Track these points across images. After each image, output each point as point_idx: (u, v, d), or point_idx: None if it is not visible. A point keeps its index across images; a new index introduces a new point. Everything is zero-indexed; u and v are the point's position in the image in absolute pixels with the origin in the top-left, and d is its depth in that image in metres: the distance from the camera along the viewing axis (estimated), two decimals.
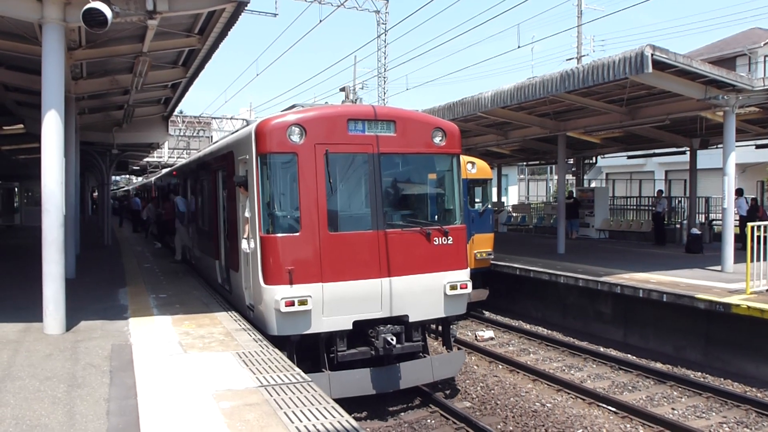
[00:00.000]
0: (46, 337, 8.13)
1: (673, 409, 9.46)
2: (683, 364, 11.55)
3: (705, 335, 11.62)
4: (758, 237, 11.11)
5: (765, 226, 11.33)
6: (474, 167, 15.47)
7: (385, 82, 45.72)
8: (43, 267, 8.21)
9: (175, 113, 27.45)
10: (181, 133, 40.28)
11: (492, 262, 15.90)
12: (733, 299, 10.69)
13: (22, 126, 19.22)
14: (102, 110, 19.15)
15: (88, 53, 12.03)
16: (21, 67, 12.93)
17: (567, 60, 36.00)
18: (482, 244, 15.46)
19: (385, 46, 45.13)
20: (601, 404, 9.56)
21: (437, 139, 9.48)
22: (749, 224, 11.44)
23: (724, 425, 8.81)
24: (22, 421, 5.23)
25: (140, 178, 49.26)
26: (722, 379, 10.69)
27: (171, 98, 18.47)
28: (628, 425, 8.80)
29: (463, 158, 15.24)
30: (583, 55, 34.91)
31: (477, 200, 16.05)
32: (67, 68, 11.60)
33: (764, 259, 11.25)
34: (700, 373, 11.04)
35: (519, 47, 33.36)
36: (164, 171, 26.81)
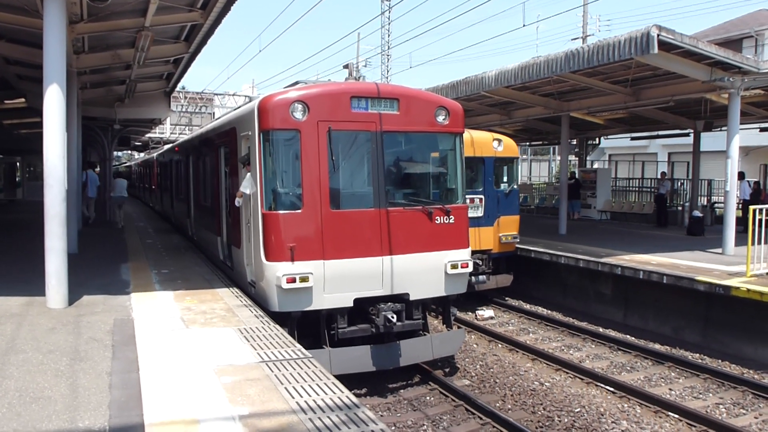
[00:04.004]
0: (49, 311, 8.18)
1: (670, 389, 9.54)
2: (682, 345, 11.62)
3: (704, 317, 11.67)
4: (760, 220, 11.11)
5: (767, 210, 11.32)
6: (500, 145, 14.74)
7: (388, 59, 45.51)
8: (45, 241, 8.23)
9: (178, 89, 27.30)
10: (183, 109, 40.15)
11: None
12: (733, 282, 10.72)
13: (23, 100, 19.17)
14: (104, 85, 19.08)
15: (89, 27, 11.95)
16: (22, 41, 12.85)
17: (572, 40, 35.76)
18: (508, 227, 14.82)
19: (389, 24, 44.86)
20: (599, 384, 9.64)
21: (440, 118, 9.44)
22: (751, 207, 11.44)
23: (721, 406, 8.90)
24: (26, 393, 5.28)
25: (142, 154, 49.21)
26: (720, 361, 10.76)
27: (173, 74, 18.40)
28: (626, 405, 8.89)
29: (490, 135, 14.79)
30: (589, 35, 34.68)
31: (503, 180, 15.28)
32: (69, 42, 11.53)
33: (765, 243, 11.26)
34: (698, 355, 11.12)
35: (524, 26, 33.20)
36: (166, 147, 26.76)
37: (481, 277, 14.06)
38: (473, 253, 13.90)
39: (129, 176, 47.73)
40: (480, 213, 14.27)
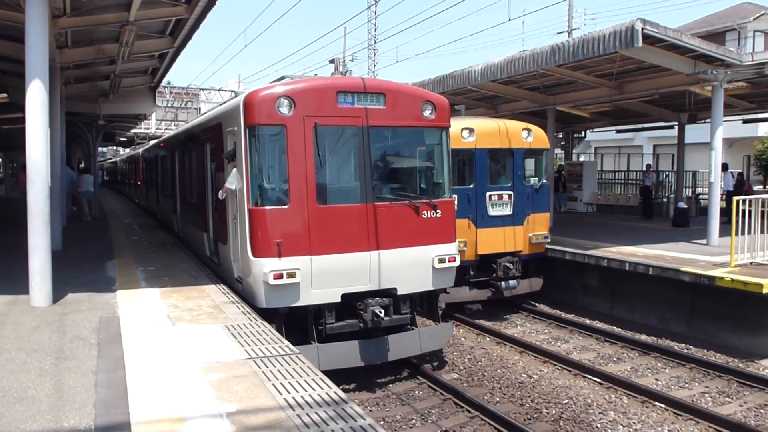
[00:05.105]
0: (33, 309, 8.09)
1: (656, 379, 9.63)
2: (668, 335, 11.73)
3: (689, 307, 11.79)
4: (743, 211, 11.21)
5: (750, 200, 11.44)
6: (530, 135, 13.53)
7: (375, 54, 45.45)
8: (28, 239, 8.13)
9: (163, 84, 27.09)
10: (169, 105, 39.84)
11: None
12: (717, 272, 10.82)
13: (6, 96, 18.90)
14: (88, 80, 18.86)
15: (72, 21, 11.81)
16: (4, 35, 12.67)
17: (558, 33, 35.88)
18: (539, 226, 13.64)
19: (376, 18, 44.80)
20: (586, 375, 9.72)
21: (427, 113, 9.44)
22: (735, 198, 11.55)
23: (706, 395, 9.00)
24: (9, 393, 5.23)
25: (127, 150, 48.82)
26: (705, 350, 10.88)
27: (158, 69, 18.22)
28: (613, 395, 8.96)
29: (519, 124, 13.74)
30: (574, 29, 34.72)
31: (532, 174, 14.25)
32: (52, 37, 11.39)
33: (748, 233, 11.37)
34: (683, 345, 11.23)
35: (510, 20, 33.14)
36: (151, 142, 26.57)
37: (512, 282, 12.89)
38: (502, 255, 12.93)
39: (114, 172, 47.32)
40: (509, 211, 13.16)
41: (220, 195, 9.46)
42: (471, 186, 12.86)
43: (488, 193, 12.97)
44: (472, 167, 12.94)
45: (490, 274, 13.02)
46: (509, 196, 13.20)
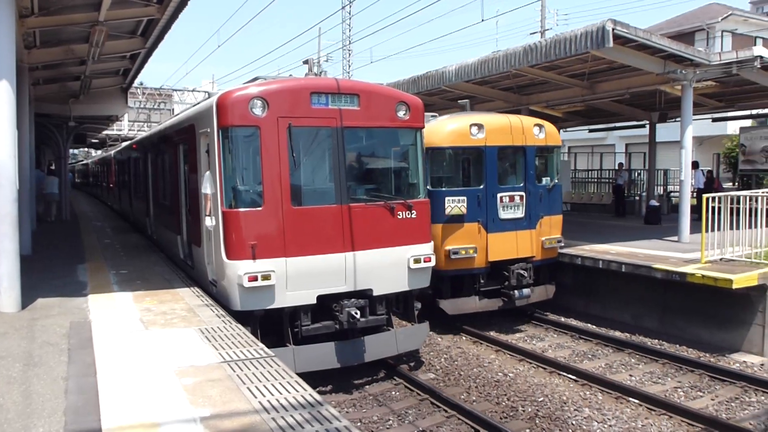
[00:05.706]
0: (1, 315, 7.92)
1: (630, 375, 9.75)
2: (641, 332, 11.89)
3: (662, 304, 11.96)
4: (713, 208, 11.40)
5: (719, 198, 11.63)
6: (542, 131, 12.60)
7: (349, 54, 45.43)
8: None
9: (135, 85, 26.71)
10: (142, 106, 39.32)
11: None
12: (688, 268, 10.99)
13: None
14: (57, 81, 18.54)
15: (41, 21, 11.60)
16: None
17: (531, 34, 36.17)
18: (551, 229, 12.75)
19: (350, 18, 44.75)
20: (561, 373, 9.81)
21: (401, 113, 9.45)
22: (705, 196, 11.73)
23: (679, 390, 9.14)
24: None
25: (99, 152, 48.11)
26: (678, 346, 11.05)
27: (130, 69, 17.97)
28: (588, 392, 9.05)
29: (530, 120, 12.96)
30: (547, 29, 35.08)
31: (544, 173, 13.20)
32: (19, 36, 11.19)
33: (719, 230, 11.56)
34: (656, 341, 11.39)
35: (483, 21, 33.24)
36: (124, 144, 26.22)
37: (525, 291, 12.04)
38: (513, 261, 12.11)
39: (85, 174, 46.64)
40: (520, 214, 12.25)
41: (209, 222, 8.98)
42: (480, 187, 11.98)
43: (499, 195, 12.07)
44: (481, 166, 12.03)
45: (501, 282, 12.16)
46: (521, 197, 12.31)
